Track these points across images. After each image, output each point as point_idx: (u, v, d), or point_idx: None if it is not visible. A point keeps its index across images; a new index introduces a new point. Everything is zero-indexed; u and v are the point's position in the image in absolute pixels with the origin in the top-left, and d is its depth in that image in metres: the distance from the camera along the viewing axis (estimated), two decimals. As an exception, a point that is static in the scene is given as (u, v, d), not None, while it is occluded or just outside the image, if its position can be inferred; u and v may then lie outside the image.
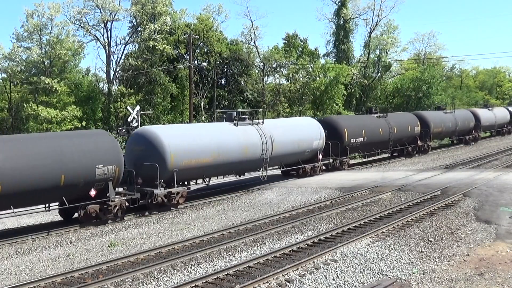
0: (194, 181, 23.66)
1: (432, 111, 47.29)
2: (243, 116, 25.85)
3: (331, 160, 30.83)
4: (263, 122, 26.26)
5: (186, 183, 22.75)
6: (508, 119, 57.53)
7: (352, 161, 35.27)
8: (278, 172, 29.53)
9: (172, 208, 21.30)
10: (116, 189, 19.44)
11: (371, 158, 37.44)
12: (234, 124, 24.71)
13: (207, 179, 23.72)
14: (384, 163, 36.29)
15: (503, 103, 78.81)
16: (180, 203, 21.66)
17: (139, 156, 20.84)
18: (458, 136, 45.86)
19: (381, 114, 36.52)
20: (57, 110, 40.50)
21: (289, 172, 29.45)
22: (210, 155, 22.34)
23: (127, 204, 19.59)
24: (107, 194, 18.58)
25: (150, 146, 20.75)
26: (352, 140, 31.96)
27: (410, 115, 40.66)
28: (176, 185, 21.16)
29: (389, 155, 39.01)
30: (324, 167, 31.11)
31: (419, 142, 39.14)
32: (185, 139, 21.77)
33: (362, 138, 32.98)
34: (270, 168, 27.01)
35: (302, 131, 28.42)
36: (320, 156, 29.85)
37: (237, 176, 25.48)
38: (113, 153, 18.61)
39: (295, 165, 28.53)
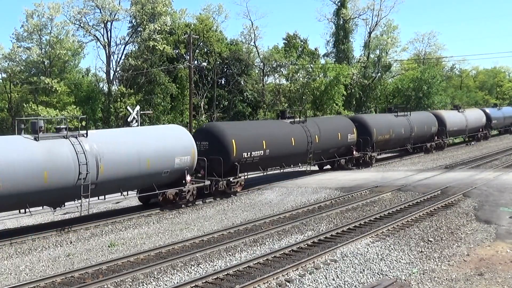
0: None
1: (379, 114, 46.75)
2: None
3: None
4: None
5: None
6: (484, 123, 51.50)
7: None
8: (277, 171, 29.43)
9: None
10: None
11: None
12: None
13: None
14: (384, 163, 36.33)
15: (503, 103, 78.75)
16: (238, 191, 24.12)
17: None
18: (414, 143, 39.60)
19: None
20: (57, 110, 40.51)
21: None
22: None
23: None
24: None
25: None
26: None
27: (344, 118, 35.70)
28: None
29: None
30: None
31: (354, 153, 32.79)
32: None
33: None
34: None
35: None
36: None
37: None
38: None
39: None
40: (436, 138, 42.14)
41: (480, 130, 50.69)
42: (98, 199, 19.64)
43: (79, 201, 17.71)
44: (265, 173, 26.66)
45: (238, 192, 24.13)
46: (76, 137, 17.94)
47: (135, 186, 20.63)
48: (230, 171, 23.52)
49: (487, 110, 54.01)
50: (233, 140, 23.31)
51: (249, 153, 24.09)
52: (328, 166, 32.35)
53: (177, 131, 22.23)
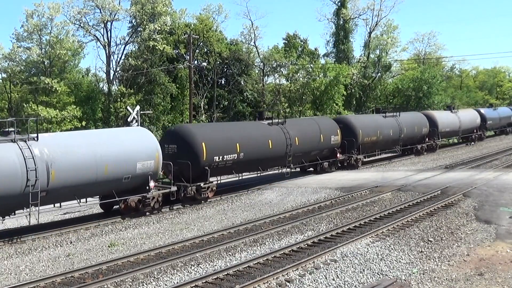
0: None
1: (366, 114, 45.27)
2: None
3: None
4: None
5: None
6: (478, 123, 50.23)
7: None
8: (276, 171, 29.43)
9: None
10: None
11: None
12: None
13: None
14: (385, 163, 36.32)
15: (503, 103, 78.77)
16: (210, 197, 23.20)
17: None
18: (403, 145, 38.14)
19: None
20: (57, 110, 40.50)
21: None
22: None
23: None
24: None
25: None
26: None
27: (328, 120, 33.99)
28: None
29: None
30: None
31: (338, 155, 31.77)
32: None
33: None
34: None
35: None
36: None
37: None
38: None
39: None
40: (427, 139, 40.92)
41: (475, 131, 49.63)
42: (54, 206, 18.51)
43: (29, 209, 16.46)
44: (239, 177, 25.37)
45: (209, 198, 22.77)
46: (26, 141, 16.67)
47: (93, 193, 19.21)
48: (200, 176, 22.12)
49: (482, 110, 52.84)
50: (203, 143, 21.97)
51: (220, 157, 22.70)
52: (311, 169, 31.15)
53: (140, 134, 20.83)
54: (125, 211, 19.73)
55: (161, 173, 21.94)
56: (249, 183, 26.87)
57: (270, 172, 28.64)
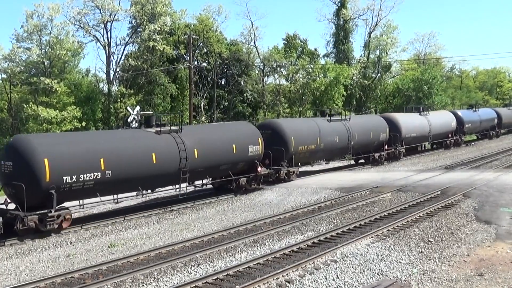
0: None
1: (305, 118, 41.02)
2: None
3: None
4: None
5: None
6: (454, 127, 44.73)
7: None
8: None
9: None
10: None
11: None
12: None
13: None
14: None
15: (503, 104, 78.75)
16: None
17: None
18: (355, 154, 34.40)
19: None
20: (57, 111, 40.51)
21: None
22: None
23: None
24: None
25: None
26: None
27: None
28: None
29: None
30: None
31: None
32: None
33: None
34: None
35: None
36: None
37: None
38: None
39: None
40: (386, 146, 35.46)
41: (449, 136, 44.21)
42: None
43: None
44: (115, 201, 20.33)
45: (63, 229, 17.72)
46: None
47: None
48: (44, 202, 16.93)
49: (459, 112, 47.26)
50: (45, 160, 16.63)
51: (75, 177, 17.31)
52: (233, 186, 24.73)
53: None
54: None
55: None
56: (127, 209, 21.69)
57: (160, 193, 23.16)
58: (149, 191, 21.68)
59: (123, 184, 19.37)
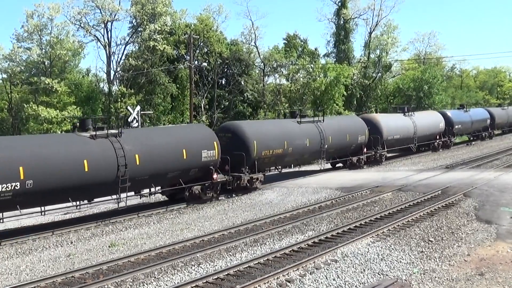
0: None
1: (271, 119, 41.00)
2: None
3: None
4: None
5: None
6: (442, 129, 42.68)
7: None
8: (277, 171, 28.39)
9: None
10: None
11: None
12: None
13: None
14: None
15: (503, 103, 78.67)
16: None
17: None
18: (330, 158, 32.34)
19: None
20: (57, 111, 40.57)
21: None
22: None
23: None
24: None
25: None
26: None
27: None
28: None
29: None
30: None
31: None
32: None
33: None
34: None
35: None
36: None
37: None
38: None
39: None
40: (366, 149, 33.20)
41: (437, 137, 42.21)
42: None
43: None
44: (42, 214, 18.20)
45: None
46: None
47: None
48: None
49: (448, 113, 45.01)
50: None
51: None
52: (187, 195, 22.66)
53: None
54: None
55: None
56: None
57: (98, 202, 20.93)
58: (86, 201, 19.21)
59: (49, 195, 17.07)
